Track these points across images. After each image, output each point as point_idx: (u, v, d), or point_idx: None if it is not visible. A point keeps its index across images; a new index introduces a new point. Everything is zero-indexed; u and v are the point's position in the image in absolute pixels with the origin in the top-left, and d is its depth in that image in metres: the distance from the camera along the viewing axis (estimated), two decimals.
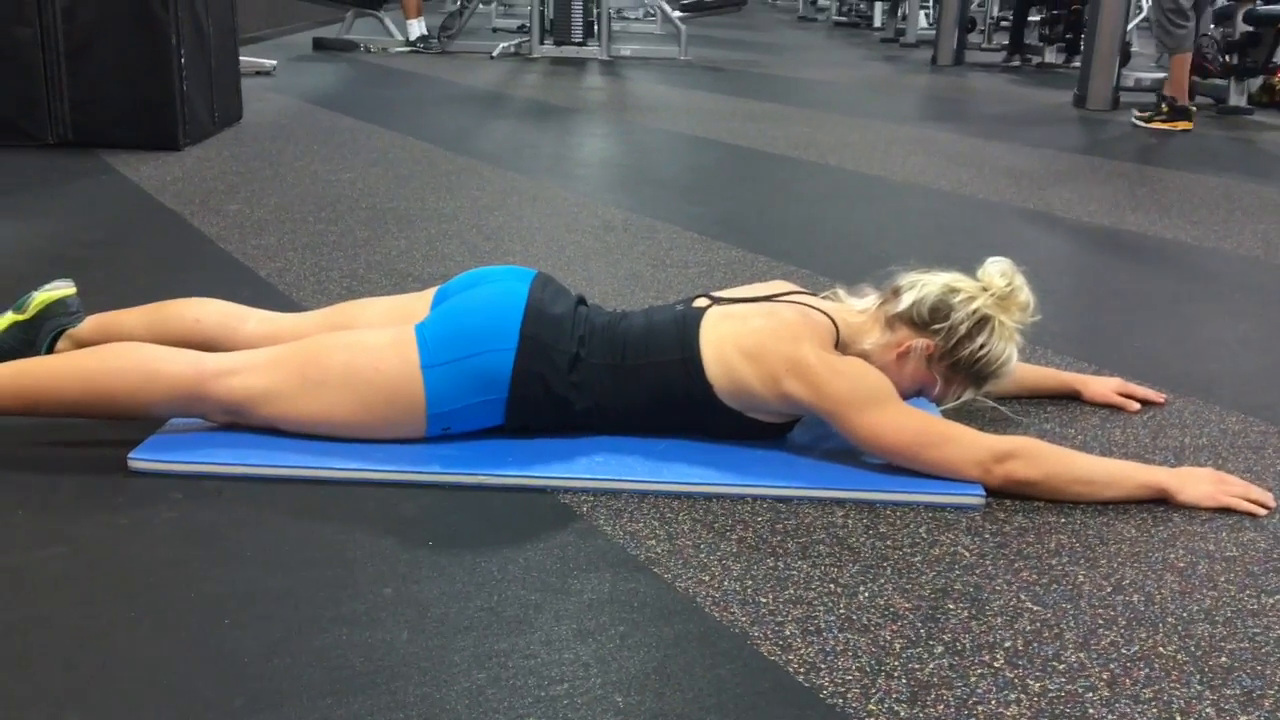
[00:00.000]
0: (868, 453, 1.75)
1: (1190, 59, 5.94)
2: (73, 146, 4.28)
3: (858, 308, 1.90)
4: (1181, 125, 5.91)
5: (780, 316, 1.80)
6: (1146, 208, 4.01)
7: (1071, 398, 2.16)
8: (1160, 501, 1.72)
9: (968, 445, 1.70)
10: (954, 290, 1.81)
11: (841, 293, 1.96)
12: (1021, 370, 2.03)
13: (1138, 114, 6.11)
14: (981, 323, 1.79)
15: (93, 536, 1.52)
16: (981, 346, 1.79)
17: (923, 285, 1.83)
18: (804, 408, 1.75)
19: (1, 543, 1.50)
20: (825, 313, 1.84)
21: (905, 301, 1.82)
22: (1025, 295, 1.84)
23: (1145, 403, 2.15)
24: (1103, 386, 2.15)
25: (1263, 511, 1.71)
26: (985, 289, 1.82)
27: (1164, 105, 5.97)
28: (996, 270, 1.84)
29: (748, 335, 1.77)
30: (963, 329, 1.79)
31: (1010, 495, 1.72)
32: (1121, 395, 2.14)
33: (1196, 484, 1.73)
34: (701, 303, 1.89)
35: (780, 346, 1.74)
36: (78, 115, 4.29)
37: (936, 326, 1.80)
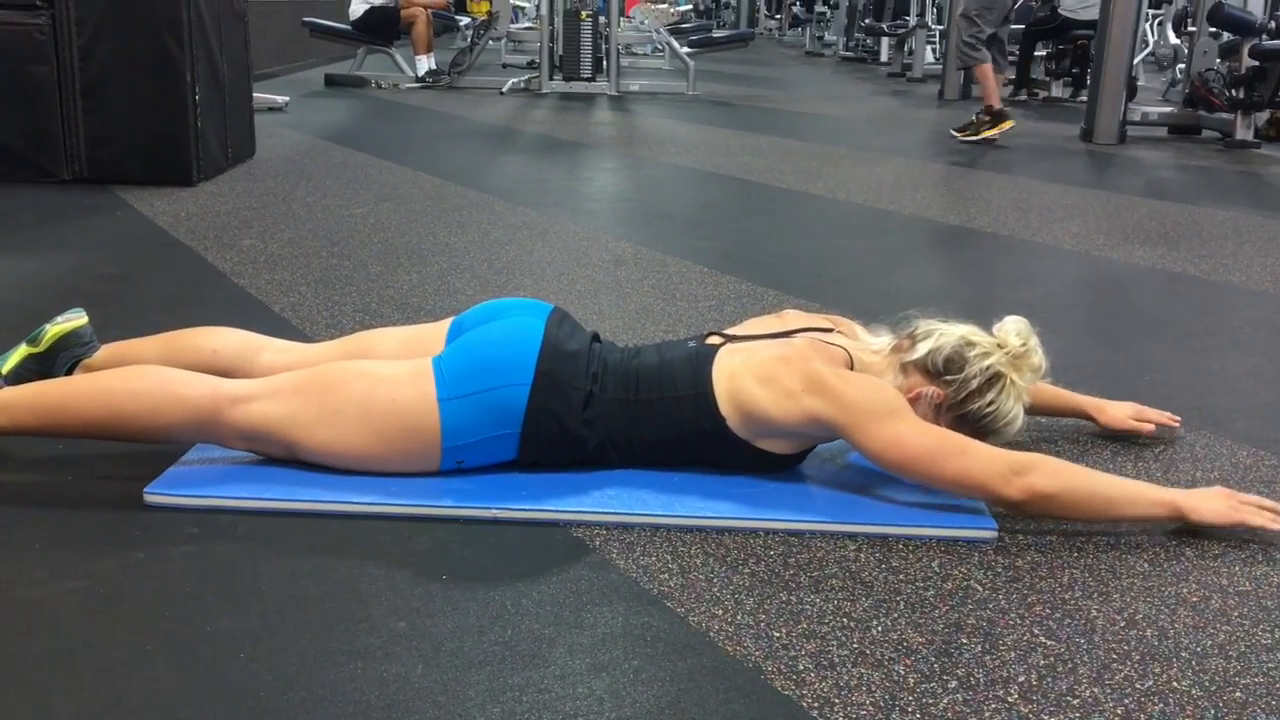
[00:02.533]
0: (885, 466, 1.74)
1: (992, 66, 6.48)
2: (88, 182, 4.33)
3: (873, 347, 1.92)
4: (1006, 125, 6.46)
5: (794, 346, 1.82)
6: (1155, 241, 4.02)
7: (1086, 420, 2.15)
8: (1172, 531, 1.72)
9: (987, 458, 1.70)
10: (970, 344, 1.83)
11: (858, 329, 1.97)
12: (1039, 389, 2.03)
13: (957, 131, 6.61)
14: (993, 380, 1.81)
15: (109, 570, 1.53)
16: (990, 403, 1.81)
17: (940, 335, 1.84)
18: (822, 424, 1.74)
19: (19, 576, 1.51)
20: (840, 346, 1.86)
21: (921, 350, 1.83)
22: (1038, 358, 1.86)
23: (1160, 426, 2.14)
24: (1118, 411, 2.14)
25: (1278, 524, 1.70)
26: (1000, 346, 1.83)
27: (985, 115, 6.50)
28: (1013, 329, 1.86)
29: (760, 363, 1.78)
30: (974, 384, 1.80)
31: (1025, 518, 1.72)
32: (1136, 419, 2.13)
33: (1209, 501, 1.73)
34: (715, 340, 1.90)
35: (794, 367, 1.75)
36: (93, 152, 4.34)
37: (949, 378, 1.81)
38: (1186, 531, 1.74)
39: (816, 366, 1.76)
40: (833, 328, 1.95)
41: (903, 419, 1.72)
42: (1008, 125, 6.48)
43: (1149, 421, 2.13)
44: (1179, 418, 2.17)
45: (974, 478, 1.68)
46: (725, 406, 1.78)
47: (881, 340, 1.93)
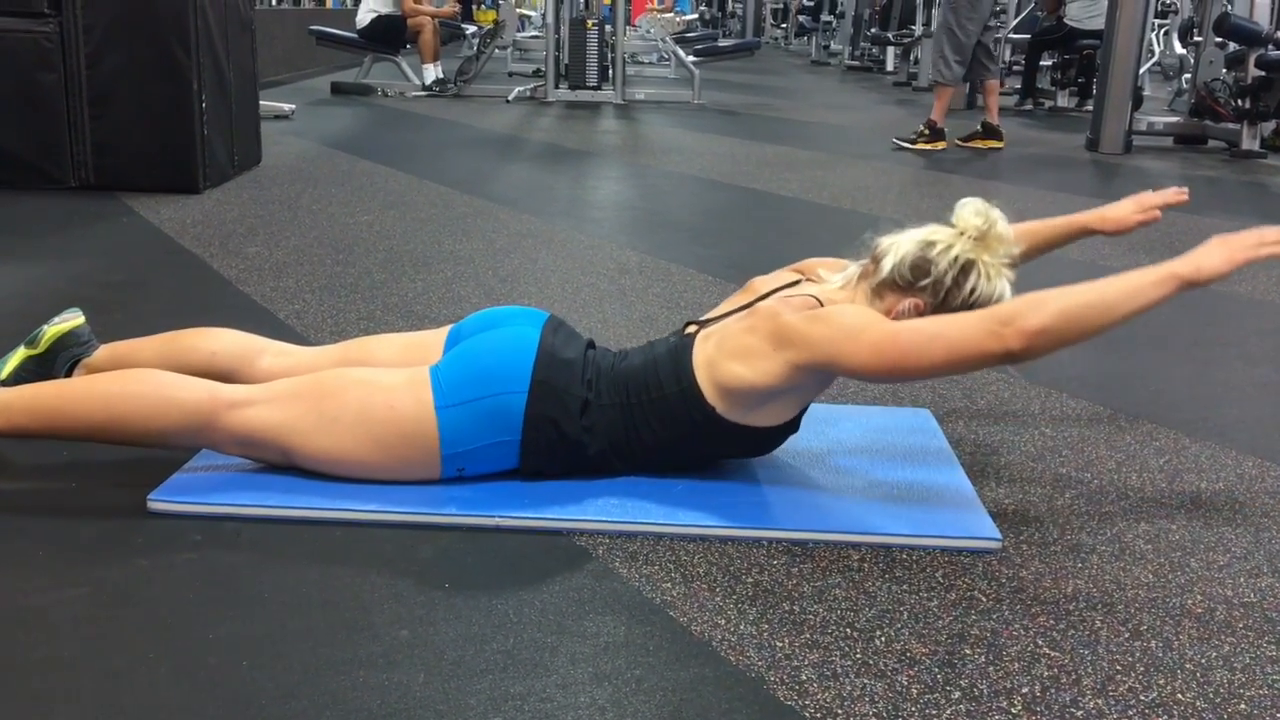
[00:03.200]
0: (878, 379, 1.67)
1: (952, 93, 6.77)
2: (94, 190, 4.34)
3: (839, 283, 1.86)
4: (940, 145, 6.63)
5: (759, 313, 1.78)
6: (1161, 251, 4.02)
7: (1091, 236, 2.08)
8: (1180, 543, 1.71)
9: (971, 322, 1.64)
10: (930, 243, 1.77)
11: (822, 271, 1.93)
12: (1031, 228, 1.99)
13: (900, 139, 6.72)
14: (965, 268, 1.75)
15: (113, 577, 1.53)
16: (972, 291, 1.75)
17: (898, 246, 1.79)
18: (804, 370, 1.71)
19: (23, 583, 1.51)
20: (806, 294, 1.82)
21: (886, 267, 1.78)
22: (1003, 227, 1.79)
23: (1167, 207, 2.05)
24: (1120, 213, 2.05)
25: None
26: (962, 233, 1.78)
27: (926, 129, 6.63)
28: (970, 211, 1.80)
29: (732, 341, 1.76)
30: (948, 279, 1.75)
31: (1028, 524, 1.71)
32: (1141, 213, 2.05)
33: (1208, 257, 1.64)
34: (690, 329, 1.90)
35: (760, 332, 1.73)
36: (100, 159, 4.35)
37: (922, 284, 1.76)
38: (1189, 528, 1.73)
39: (781, 319, 1.72)
40: (800, 277, 1.92)
41: (873, 328, 1.67)
42: (941, 146, 6.63)
43: (1154, 209, 2.05)
44: (1184, 192, 2.06)
45: (965, 348, 1.62)
46: (711, 394, 1.77)
47: (847, 272, 1.88)
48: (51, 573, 1.53)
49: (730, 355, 1.75)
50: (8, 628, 1.41)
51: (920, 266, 1.76)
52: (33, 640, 1.38)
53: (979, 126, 6.81)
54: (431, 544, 1.65)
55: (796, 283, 1.90)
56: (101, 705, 1.26)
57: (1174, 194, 2.05)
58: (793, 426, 1.85)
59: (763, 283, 1.94)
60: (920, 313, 1.76)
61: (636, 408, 1.80)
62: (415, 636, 1.41)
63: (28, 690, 1.29)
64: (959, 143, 6.82)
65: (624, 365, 1.84)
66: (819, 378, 1.76)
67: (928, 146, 6.61)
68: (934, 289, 1.76)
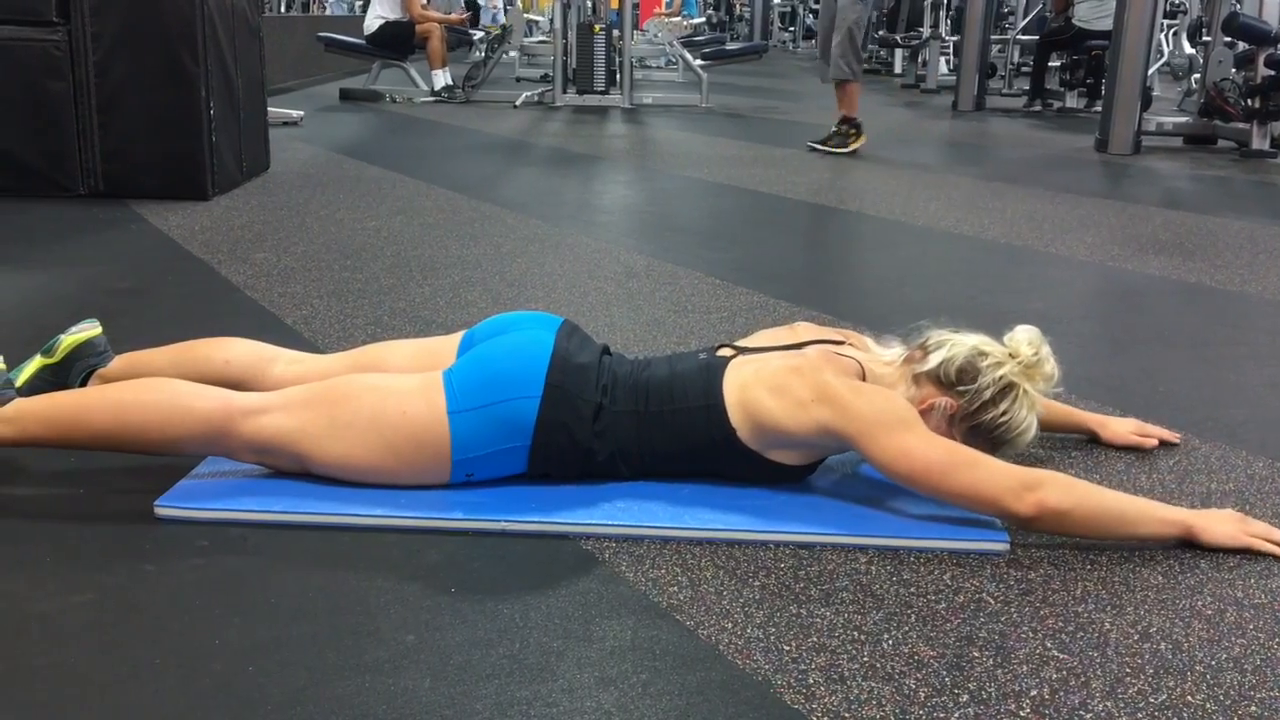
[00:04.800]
0: (894, 477, 1.73)
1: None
2: (103, 197, 4.36)
3: (885, 358, 1.91)
4: (863, 139, 6.46)
5: (805, 356, 1.82)
6: (1170, 251, 4.01)
7: (1089, 439, 2.15)
8: (1185, 545, 1.71)
9: (999, 472, 1.68)
10: (982, 354, 1.82)
11: (869, 342, 1.97)
12: (1044, 404, 2.03)
13: (817, 144, 6.50)
14: (1006, 389, 1.80)
15: (120, 583, 1.53)
16: (1004, 413, 1.80)
17: (952, 345, 1.84)
18: (831, 434, 1.74)
19: (30, 589, 1.51)
20: (852, 358, 1.85)
21: (933, 361, 1.83)
22: (1051, 366, 1.85)
23: (1162, 443, 2.14)
24: (1121, 428, 2.15)
25: None
26: (1013, 356, 1.83)
27: (848, 128, 6.43)
28: (1025, 338, 1.85)
29: (772, 374, 1.78)
30: (987, 394, 1.80)
31: (1034, 535, 1.71)
32: (1138, 435, 2.14)
33: (1220, 524, 1.72)
34: (726, 352, 1.90)
35: (805, 378, 1.75)
36: (109, 166, 4.37)
37: (962, 388, 1.81)
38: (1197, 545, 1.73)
39: (827, 377, 1.75)
40: (844, 340, 1.95)
41: (912, 430, 1.71)
42: (863, 140, 6.48)
43: (1150, 437, 2.14)
44: (1178, 435, 2.17)
45: (984, 491, 1.67)
46: (736, 417, 1.77)
47: (893, 351, 1.93)
48: (58, 578, 1.54)
49: (767, 387, 1.76)
50: (15, 633, 1.41)
51: (967, 372, 1.81)
52: (39, 645, 1.38)
53: (850, 127, 6.46)
54: (437, 549, 1.65)
55: (840, 343, 1.93)
56: (108, 711, 1.26)
57: (1170, 435, 2.17)
58: (808, 470, 1.86)
59: (808, 330, 1.98)
60: (951, 414, 1.81)
61: (654, 416, 1.80)
62: (421, 641, 1.41)
63: (34, 696, 1.29)
64: (824, 149, 6.48)
65: (646, 374, 1.85)
66: (840, 445, 1.78)
67: (857, 144, 6.42)
68: (972, 397, 1.81)
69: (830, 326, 2.04)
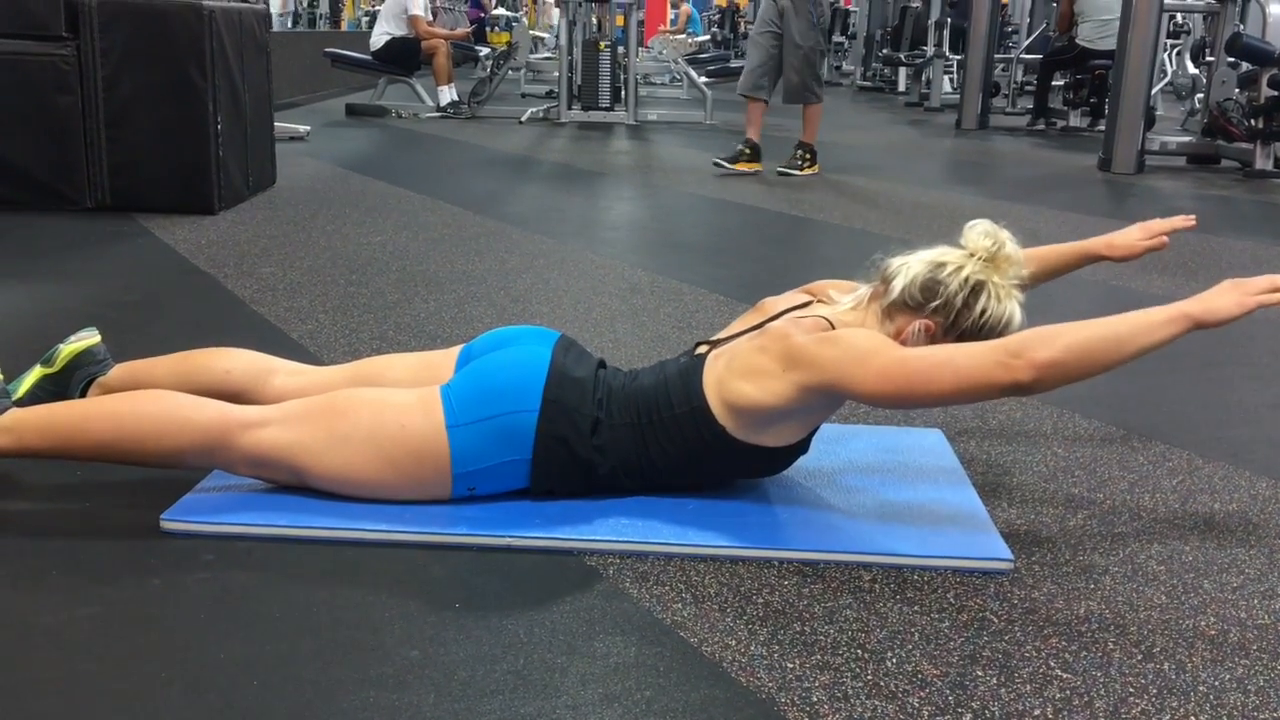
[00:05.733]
0: (885, 404, 1.68)
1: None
2: (110, 211, 4.38)
3: (849, 304, 1.87)
4: (816, 169, 6.37)
5: (768, 332, 1.79)
6: (1173, 271, 4.01)
7: (1099, 262, 2.09)
8: (1193, 564, 1.70)
9: (978, 353, 1.63)
10: (941, 265, 1.79)
11: (833, 293, 1.93)
12: (1039, 253, 1.99)
13: (783, 168, 6.34)
14: (976, 289, 1.76)
15: (125, 597, 1.54)
16: (983, 312, 1.76)
17: (908, 267, 1.80)
18: (813, 391, 1.71)
19: (36, 603, 1.51)
20: (817, 315, 1.82)
21: (896, 288, 1.79)
22: (1012, 248, 1.80)
23: (1174, 232, 2.05)
24: (1127, 239, 2.06)
25: None
26: (972, 254, 1.79)
27: (807, 153, 6.34)
28: (979, 233, 1.81)
29: (742, 360, 1.77)
30: (958, 300, 1.76)
31: (1041, 544, 1.71)
32: (1148, 239, 2.06)
33: (1220, 299, 1.63)
34: (701, 350, 1.90)
35: (770, 352, 1.74)
36: (116, 180, 4.39)
37: (932, 305, 1.77)
38: (1203, 549, 1.72)
39: (792, 340, 1.72)
40: (810, 299, 1.92)
41: (881, 353, 1.68)
42: (817, 170, 6.38)
43: (1161, 235, 2.06)
44: (1191, 218, 2.08)
45: (973, 378, 1.62)
46: (720, 413, 1.77)
47: (858, 293, 1.88)
48: (64, 592, 1.54)
49: (739, 375, 1.75)
50: (20, 647, 1.41)
51: (930, 288, 1.77)
52: (45, 660, 1.39)
53: (807, 153, 6.34)
54: (442, 564, 1.66)
55: (807, 304, 1.90)
56: None
57: (1181, 220, 2.07)
58: (802, 448, 1.85)
59: (774, 303, 1.95)
60: (931, 334, 1.77)
61: (647, 427, 1.80)
62: (426, 657, 1.41)
63: (40, 710, 1.29)
64: (792, 172, 6.31)
65: (635, 385, 1.85)
66: (827, 400, 1.76)
67: (810, 171, 6.32)
68: (945, 310, 1.76)
69: (795, 290, 2.00)
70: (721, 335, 1.93)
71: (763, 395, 1.73)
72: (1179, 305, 1.63)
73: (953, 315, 1.76)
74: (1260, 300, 1.63)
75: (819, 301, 1.91)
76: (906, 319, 1.79)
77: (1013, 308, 1.78)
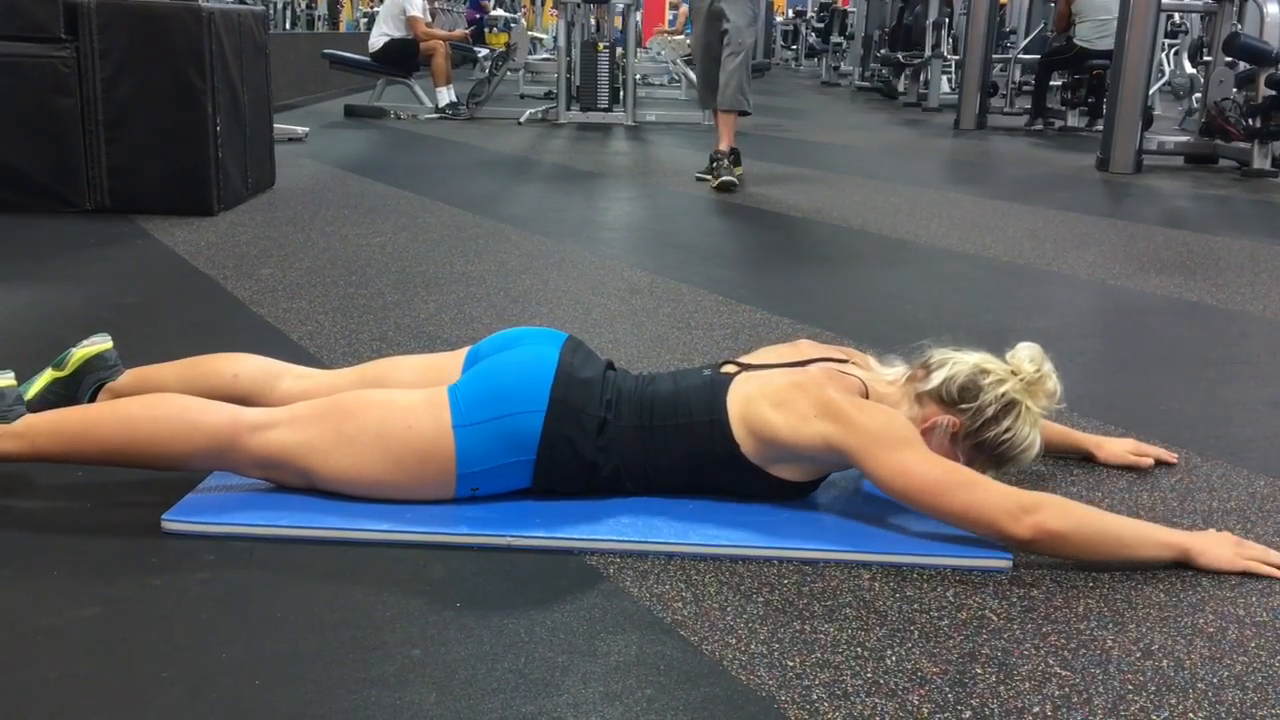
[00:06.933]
0: (893, 494, 1.73)
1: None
2: (110, 213, 4.38)
3: (887, 377, 1.92)
4: (739, 170, 5.90)
5: (808, 373, 1.83)
6: (1171, 270, 4.02)
7: (1086, 459, 2.15)
8: (1183, 566, 1.71)
9: (997, 493, 1.69)
10: (984, 372, 1.83)
11: (872, 361, 1.98)
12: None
13: (702, 173, 5.95)
14: (1009, 407, 1.81)
15: (127, 597, 1.54)
16: (1007, 430, 1.81)
17: (954, 364, 1.85)
18: (833, 449, 1.74)
19: (37, 603, 1.52)
20: (855, 376, 1.87)
21: (935, 379, 1.84)
22: (1053, 383, 1.86)
23: (1159, 462, 2.15)
24: (1117, 448, 2.15)
25: None
26: (1015, 373, 1.84)
27: (729, 157, 5.80)
28: (1026, 355, 1.86)
29: (775, 389, 1.79)
30: (990, 411, 1.81)
31: (1035, 555, 1.71)
32: (1135, 455, 2.14)
33: (1217, 547, 1.72)
34: (730, 369, 1.91)
35: (808, 393, 1.76)
36: (115, 182, 4.39)
37: (964, 406, 1.82)
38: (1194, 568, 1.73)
39: (830, 393, 1.76)
40: (847, 359, 1.96)
41: (912, 448, 1.72)
42: (740, 172, 5.94)
43: (1146, 456, 2.14)
44: (1175, 454, 2.17)
45: (982, 512, 1.67)
46: (739, 432, 1.78)
47: (896, 370, 1.94)
48: (66, 592, 1.55)
49: (770, 402, 1.77)
50: (22, 647, 1.42)
51: (969, 390, 1.82)
52: (46, 659, 1.39)
53: (729, 157, 5.82)
54: (443, 563, 1.66)
55: (844, 362, 1.94)
56: None
57: (1166, 454, 2.17)
58: (809, 487, 1.87)
59: (811, 347, 1.99)
60: (954, 433, 1.82)
61: (658, 431, 1.81)
62: (427, 656, 1.42)
63: (41, 710, 1.29)
64: (713, 184, 5.79)
65: (650, 389, 1.86)
66: (841, 460, 1.78)
67: (741, 171, 5.91)
68: (974, 415, 1.82)
69: (833, 345, 2.05)
70: (751, 360, 1.94)
71: (786, 429, 1.75)
72: (1181, 537, 1.73)
73: (979, 423, 1.82)
74: (1250, 566, 1.72)
75: (854, 364, 1.95)
76: (935, 410, 1.84)
77: (1035, 436, 1.84)
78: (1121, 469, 2.12)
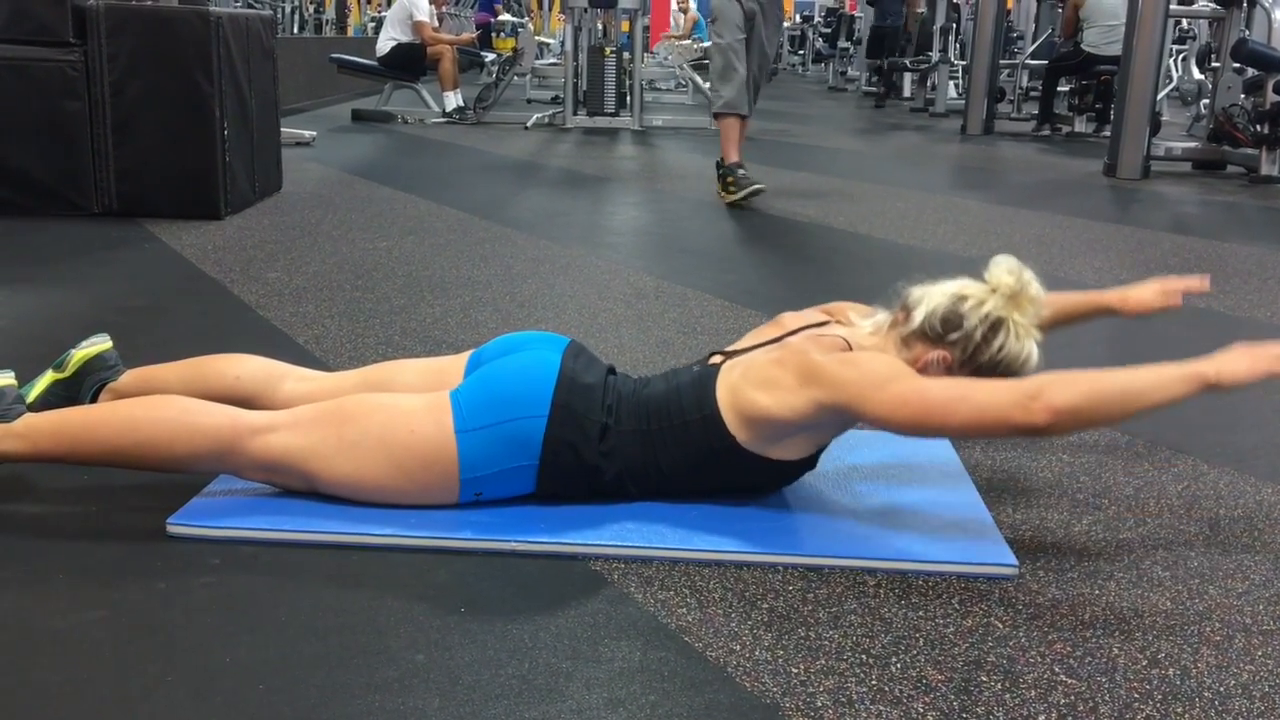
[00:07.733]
0: (900, 430, 1.69)
1: (739, 125, 5.41)
2: (117, 216, 4.39)
3: (869, 329, 1.89)
4: (739, 195, 5.32)
5: (788, 346, 1.81)
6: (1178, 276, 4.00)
7: (1112, 316, 2.09)
8: (1198, 570, 1.70)
9: (998, 390, 1.64)
10: (963, 297, 1.80)
11: (852, 315, 1.95)
12: (1054, 300, 1.98)
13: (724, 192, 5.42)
14: (995, 326, 1.78)
15: (131, 601, 1.54)
16: (1000, 349, 1.77)
17: (931, 298, 1.82)
18: (827, 409, 1.72)
19: (42, 606, 1.52)
20: (836, 335, 1.84)
21: (917, 318, 1.81)
22: (1035, 289, 1.81)
23: (1189, 294, 2.07)
24: (1142, 295, 2.07)
25: None
26: (994, 290, 1.80)
27: (727, 174, 5.38)
28: (1003, 269, 1.81)
29: (758, 371, 1.77)
30: (978, 335, 1.77)
31: (1045, 551, 1.71)
32: (1163, 296, 2.07)
33: (1233, 363, 1.65)
34: (716, 359, 1.91)
35: (788, 366, 1.74)
36: (123, 186, 4.40)
37: (951, 337, 1.78)
38: (1208, 555, 1.72)
39: (811, 357, 1.74)
40: (828, 319, 1.93)
41: (902, 380, 1.69)
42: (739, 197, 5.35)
43: (1176, 294, 2.07)
44: (1205, 280, 2.09)
45: (991, 415, 1.62)
46: (732, 423, 1.77)
47: (877, 319, 1.91)
48: (70, 595, 1.55)
49: (755, 384, 1.76)
50: (27, 650, 1.42)
51: (951, 320, 1.79)
52: (51, 663, 1.39)
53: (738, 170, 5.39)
54: (447, 568, 1.66)
55: (825, 323, 1.92)
56: None
57: (1198, 282, 2.08)
58: (810, 463, 1.86)
59: (792, 319, 1.96)
60: (948, 365, 1.79)
61: (657, 434, 1.81)
62: (431, 661, 1.42)
63: (46, 713, 1.29)
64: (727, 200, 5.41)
65: (646, 392, 1.85)
66: (839, 420, 1.77)
67: (734, 198, 5.28)
68: (963, 343, 1.78)
69: (813, 308, 2.01)
70: (736, 346, 1.94)
71: (776, 407, 1.74)
72: (1194, 365, 1.66)
73: (970, 349, 1.78)
74: (1271, 367, 1.65)
75: (837, 322, 1.93)
76: (924, 348, 1.81)
77: (1030, 346, 1.80)
78: (1150, 317, 2.03)
